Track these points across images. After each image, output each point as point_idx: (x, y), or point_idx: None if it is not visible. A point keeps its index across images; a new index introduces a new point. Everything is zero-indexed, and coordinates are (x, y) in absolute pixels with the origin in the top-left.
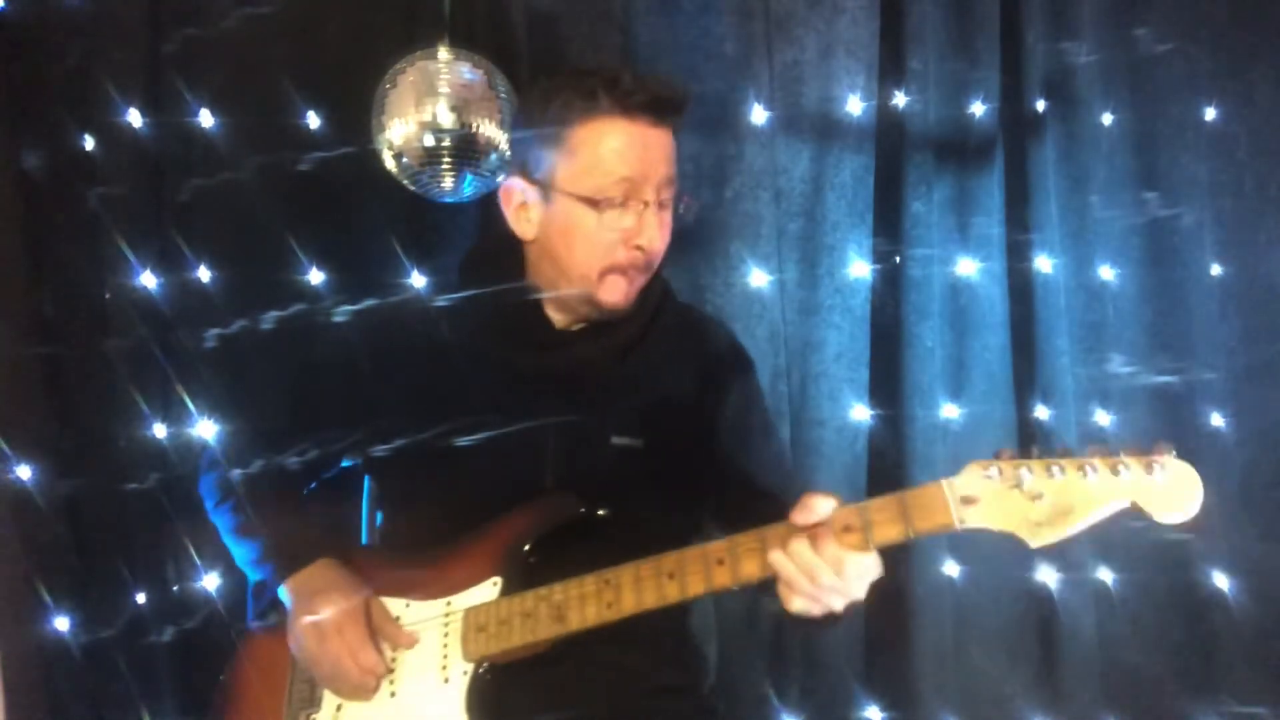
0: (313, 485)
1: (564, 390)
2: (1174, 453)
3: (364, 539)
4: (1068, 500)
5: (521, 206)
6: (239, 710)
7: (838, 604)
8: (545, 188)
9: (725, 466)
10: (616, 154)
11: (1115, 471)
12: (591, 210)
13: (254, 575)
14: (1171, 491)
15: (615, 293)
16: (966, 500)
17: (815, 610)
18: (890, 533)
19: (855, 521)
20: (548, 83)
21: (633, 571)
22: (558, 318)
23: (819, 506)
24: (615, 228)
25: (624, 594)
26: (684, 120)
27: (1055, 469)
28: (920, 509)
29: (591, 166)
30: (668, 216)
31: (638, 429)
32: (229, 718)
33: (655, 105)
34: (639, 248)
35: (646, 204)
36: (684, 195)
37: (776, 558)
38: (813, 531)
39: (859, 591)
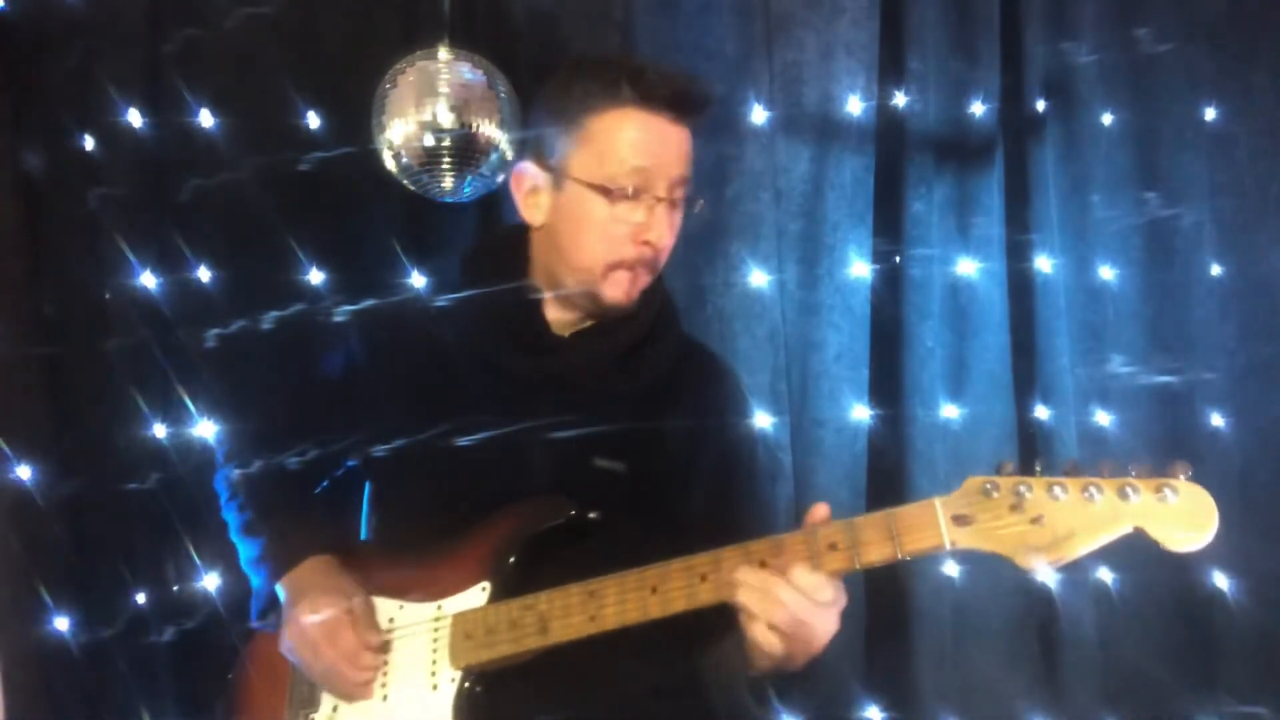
0: (324, 484)
1: (556, 395)
2: (1189, 474)
3: (364, 536)
4: (1068, 524)
5: (532, 191)
6: (243, 710)
7: (815, 632)
8: (558, 174)
9: (696, 516)
10: (633, 145)
11: (1122, 494)
12: (603, 199)
13: (254, 575)
14: (1183, 518)
15: (618, 289)
16: (960, 519)
17: (776, 646)
18: (878, 553)
19: (842, 540)
20: (571, 69)
21: (617, 584)
22: (556, 318)
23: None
24: (626, 220)
25: (607, 608)
26: (701, 123)
27: (1057, 489)
28: (910, 528)
29: (607, 155)
30: (678, 217)
31: (623, 451)
32: (234, 717)
33: (676, 101)
34: (647, 243)
35: (659, 199)
36: (698, 199)
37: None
38: (786, 561)
39: (830, 623)
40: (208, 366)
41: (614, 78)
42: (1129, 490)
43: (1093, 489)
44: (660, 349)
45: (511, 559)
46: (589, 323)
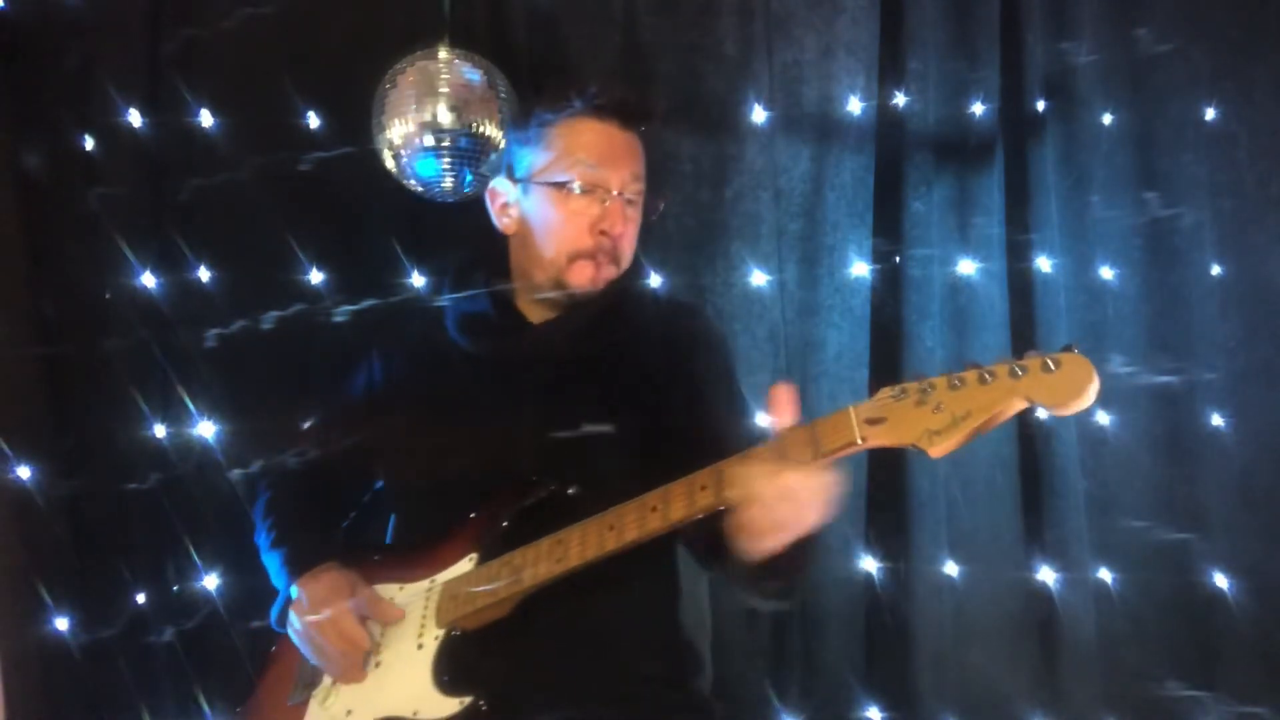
0: (351, 515)
1: (534, 377)
2: (1076, 350)
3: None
4: (965, 406)
5: (504, 205)
6: (262, 693)
7: (809, 516)
8: (525, 183)
9: (696, 444)
10: (585, 146)
11: (1013, 374)
12: (560, 193)
13: (280, 585)
14: (1064, 383)
15: (583, 275)
16: (872, 421)
17: (784, 535)
18: (803, 455)
19: (769, 452)
20: (533, 97)
21: (580, 529)
22: (533, 313)
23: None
24: (583, 213)
25: (570, 549)
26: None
27: (956, 381)
28: (827, 432)
29: (563, 156)
30: (635, 213)
31: (608, 413)
32: (255, 699)
33: (621, 109)
34: (604, 233)
35: (611, 194)
36: (659, 200)
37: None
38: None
39: (824, 501)
40: (208, 366)
41: (565, 93)
42: (1018, 370)
43: (986, 374)
44: (621, 308)
45: (500, 532)
46: (558, 313)
